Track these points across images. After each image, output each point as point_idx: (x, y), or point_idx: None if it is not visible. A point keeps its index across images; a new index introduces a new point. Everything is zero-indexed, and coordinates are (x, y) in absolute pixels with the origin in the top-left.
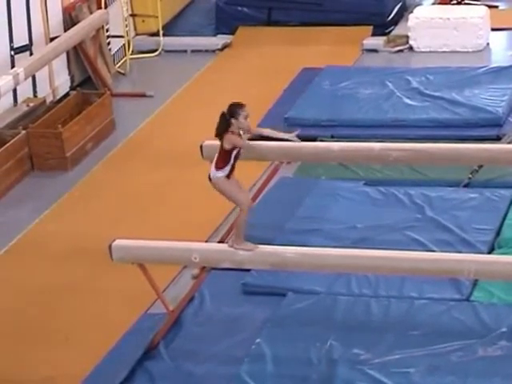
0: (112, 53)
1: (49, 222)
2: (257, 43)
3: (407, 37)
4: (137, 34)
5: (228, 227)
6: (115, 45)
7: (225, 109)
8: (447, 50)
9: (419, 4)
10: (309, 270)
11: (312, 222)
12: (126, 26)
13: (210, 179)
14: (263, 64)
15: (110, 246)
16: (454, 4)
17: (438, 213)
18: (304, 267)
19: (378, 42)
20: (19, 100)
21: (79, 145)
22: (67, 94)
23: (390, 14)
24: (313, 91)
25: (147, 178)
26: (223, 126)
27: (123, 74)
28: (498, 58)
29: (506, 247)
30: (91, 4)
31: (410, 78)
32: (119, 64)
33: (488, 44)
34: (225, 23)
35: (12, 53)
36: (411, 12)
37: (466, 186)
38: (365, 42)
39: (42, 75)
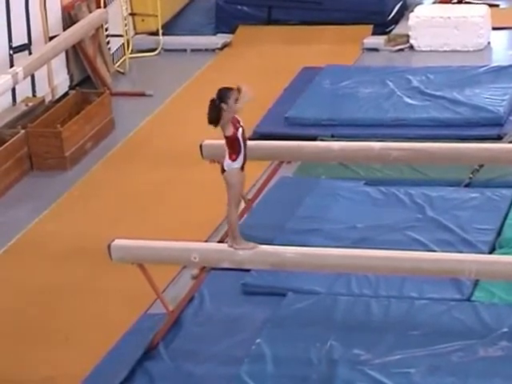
0: (111, 52)
1: (48, 221)
2: (257, 42)
3: (408, 36)
4: (136, 33)
5: (227, 227)
6: (114, 44)
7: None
8: (448, 49)
9: (420, 3)
10: (309, 270)
11: (312, 222)
12: (126, 25)
13: (223, 171)
14: (263, 63)
15: (109, 246)
16: (454, 3)
17: (438, 213)
18: (304, 267)
19: (378, 41)
20: (18, 99)
21: (78, 144)
22: (66, 94)
23: (390, 13)
24: (313, 90)
25: (147, 177)
26: (214, 113)
27: (122, 74)
28: (499, 58)
29: (507, 247)
30: (90, 3)
31: (410, 77)
32: (118, 63)
33: (489, 43)
34: (225, 22)
35: (11, 52)
36: (412, 11)
37: (466, 185)
38: (365, 41)
39: (41, 74)
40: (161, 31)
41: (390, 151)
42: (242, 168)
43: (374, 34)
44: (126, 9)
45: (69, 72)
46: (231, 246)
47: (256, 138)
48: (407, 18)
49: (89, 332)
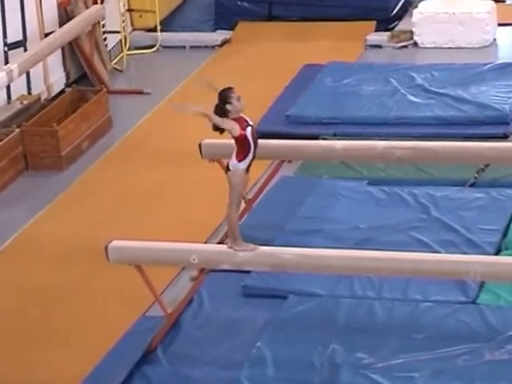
0: (108, 49)
1: (44, 222)
2: (257, 39)
3: (411, 32)
4: (134, 30)
5: (227, 228)
6: (112, 40)
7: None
8: (453, 45)
9: None
10: (310, 271)
11: (314, 223)
12: (123, 22)
13: (227, 170)
14: (264, 60)
15: (106, 247)
16: None
17: (443, 213)
18: (305, 269)
19: (381, 37)
20: (13, 97)
21: (75, 143)
22: (62, 91)
23: (393, 9)
24: (315, 88)
25: (145, 177)
26: (221, 116)
27: (120, 71)
28: (505, 54)
29: None
30: None
31: (414, 74)
32: (116, 60)
33: (495, 40)
34: (224, 18)
35: (5, 49)
36: (416, 7)
37: (471, 185)
38: (368, 37)
39: (36, 72)
40: (159, 27)
41: (394, 150)
42: (247, 169)
43: (376, 30)
44: (124, 4)
45: (65, 69)
46: (231, 248)
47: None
48: (411, 14)
49: (86, 334)
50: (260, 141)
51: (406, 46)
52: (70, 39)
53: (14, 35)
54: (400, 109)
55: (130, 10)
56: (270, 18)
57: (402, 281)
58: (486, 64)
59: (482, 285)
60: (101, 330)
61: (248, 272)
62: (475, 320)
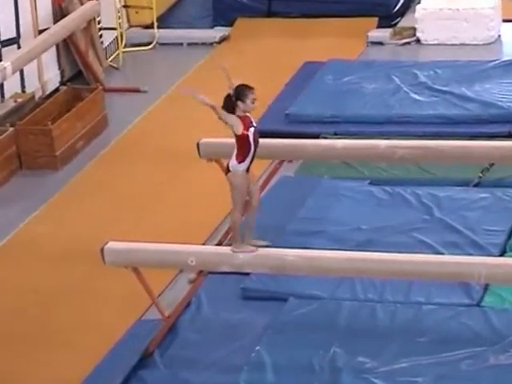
0: (104, 46)
1: (38, 223)
2: (256, 36)
3: (414, 29)
4: (130, 26)
5: (226, 229)
6: (107, 37)
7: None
8: (456, 42)
9: None
10: (311, 273)
11: (314, 224)
12: (119, 18)
13: (227, 171)
14: (263, 58)
15: (102, 249)
16: None
17: (446, 213)
18: (306, 271)
19: (383, 34)
20: (6, 96)
21: (70, 143)
22: (57, 90)
23: (396, 5)
24: (315, 86)
25: (141, 177)
26: (228, 110)
27: (116, 68)
28: (510, 51)
29: None
30: None
31: (417, 72)
32: (112, 58)
33: (499, 36)
34: (222, 15)
35: None
36: (418, 2)
37: (476, 185)
38: (370, 34)
39: (30, 69)
40: (156, 24)
41: (396, 149)
42: (248, 170)
43: (378, 26)
44: (120, 1)
45: (60, 67)
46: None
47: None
48: (414, 10)
49: (83, 336)
50: (259, 140)
51: (408, 43)
52: (64, 36)
53: (8, 32)
54: (402, 107)
55: (126, 6)
56: (270, 14)
57: (404, 283)
58: (490, 61)
59: (486, 287)
60: (97, 333)
61: (247, 274)
62: (479, 323)
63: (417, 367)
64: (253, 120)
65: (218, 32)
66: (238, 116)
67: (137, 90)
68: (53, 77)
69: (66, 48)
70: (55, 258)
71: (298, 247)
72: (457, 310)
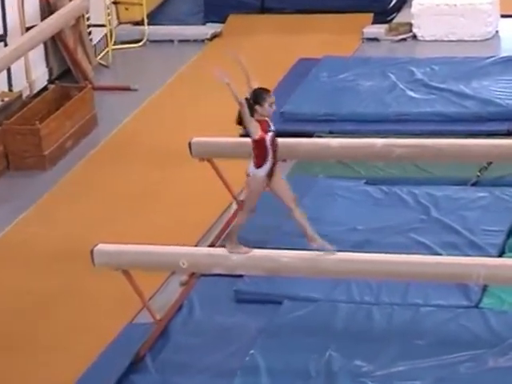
0: (93, 43)
1: (27, 224)
2: (249, 32)
3: (410, 24)
4: (120, 23)
5: (219, 230)
6: (97, 35)
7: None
8: (453, 38)
9: None
10: (306, 275)
11: (309, 224)
12: (109, 15)
13: (247, 175)
14: (256, 55)
15: (91, 251)
16: None
17: (444, 213)
18: (301, 273)
19: (379, 30)
20: None
21: (58, 142)
22: (45, 88)
23: (391, 0)
24: (310, 84)
25: (132, 177)
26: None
27: (105, 66)
28: (508, 47)
29: None
30: None
31: (413, 68)
32: (101, 55)
33: (497, 32)
34: (214, 11)
35: None
36: None
37: (474, 184)
38: (365, 30)
39: (17, 68)
40: (146, 21)
41: (393, 148)
42: (269, 175)
43: (374, 22)
44: None
45: (48, 65)
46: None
47: (248, 135)
48: (410, 6)
49: (72, 340)
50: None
51: (404, 39)
52: (52, 33)
53: None
54: (399, 105)
55: (115, 3)
56: (263, 10)
57: (401, 284)
58: (488, 57)
59: (485, 288)
60: (87, 336)
61: (240, 276)
62: (478, 325)
63: (415, 370)
64: (271, 124)
65: (210, 29)
66: (256, 120)
67: (127, 89)
68: (41, 75)
69: (54, 45)
70: (45, 260)
71: (292, 248)
72: (455, 311)
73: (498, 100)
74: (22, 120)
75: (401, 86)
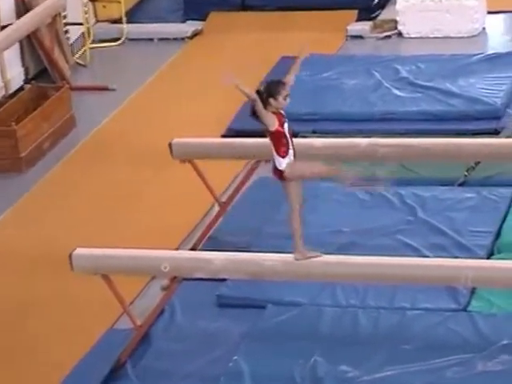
0: (70, 42)
1: (4, 227)
2: (230, 30)
3: (395, 21)
4: (97, 21)
5: (201, 233)
6: (74, 33)
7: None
8: (439, 35)
9: None
10: (290, 279)
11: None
12: (86, 13)
13: (275, 171)
14: (238, 53)
15: (70, 255)
16: None
17: (431, 214)
18: (285, 276)
19: (363, 27)
20: None
21: (35, 144)
22: (21, 88)
23: None
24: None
25: (111, 179)
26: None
27: (83, 66)
28: (495, 44)
29: (507, 251)
30: None
31: (398, 66)
32: (78, 54)
33: (484, 28)
34: (195, 8)
35: None
36: None
37: (461, 184)
38: (349, 27)
39: None
40: (124, 19)
41: (378, 148)
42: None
43: (358, 19)
44: None
45: (23, 64)
46: (297, 260)
47: (231, 135)
48: (395, 2)
49: (51, 347)
50: (234, 139)
51: (389, 37)
52: (28, 32)
53: None
54: (384, 104)
55: (93, 0)
56: (244, 7)
57: (387, 288)
58: (475, 55)
59: (473, 291)
60: (66, 343)
61: (223, 280)
62: (467, 329)
63: (402, 375)
64: (284, 114)
65: (191, 26)
66: (272, 112)
67: (105, 88)
68: (16, 75)
69: (30, 44)
70: (23, 264)
71: (276, 251)
72: (443, 315)
73: (485, 98)
74: None
75: (386, 84)
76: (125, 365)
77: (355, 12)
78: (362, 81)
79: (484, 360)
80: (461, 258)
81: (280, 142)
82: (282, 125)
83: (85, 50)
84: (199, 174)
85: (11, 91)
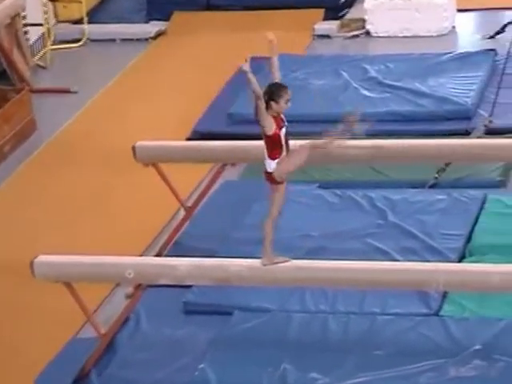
0: (30, 43)
1: None
2: (195, 30)
3: (363, 20)
4: (58, 22)
5: (166, 238)
6: (33, 34)
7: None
8: (408, 34)
9: None
10: (258, 284)
11: (260, 231)
12: (46, 13)
13: (268, 176)
14: (203, 54)
15: (31, 263)
16: None
17: (401, 217)
18: (252, 282)
19: (330, 26)
20: None
21: None
22: None
23: None
24: (259, 83)
25: (74, 183)
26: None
27: (43, 67)
28: (465, 43)
29: (478, 254)
30: None
31: (367, 66)
32: (39, 56)
33: (454, 27)
34: (158, 8)
35: None
36: None
37: (432, 186)
38: (316, 26)
39: None
40: (86, 19)
41: (347, 150)
42: None
43: (325, 18)
44: None
45: None
46: (264, 265)
47: (196, 138)
48: (362, 1)
49: (13, 358)
50: (200, 142)
51: (357, 36)
52: None
53: None
54: (352, 104)
55: (53, 0)
56: (209, 7)
57: (357, 293)
58: (445, 54)
59: (445, 295)
60: (29, 352)
61: (189, 287)
62: (439, 333)
63: (374, 382)
64: (284, 118)
65: (154, 27)
66: (272, 116)
67: (66, 91)
68: None
69: None
70: None
71: (243, 256)
72: (414, 320)
73: (455, 98)
74: None
75: (354, 84)
76: (89, 374)
77: (322, 11)
78: (329, 81)
79: (457, 365)
80: (432, 261)
81: (275, 146)
82: (279, 129)
83: (45, 52)
84: (163, 178)
85: None
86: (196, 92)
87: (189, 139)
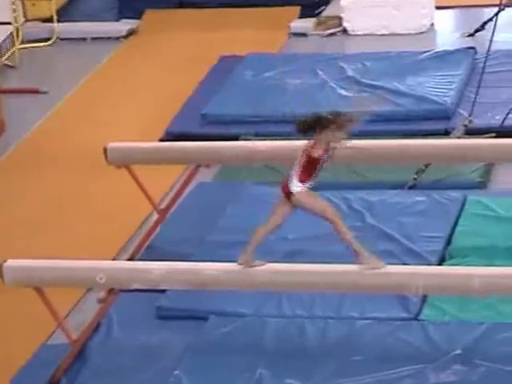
0: None
1: None
2: (167, 29)
3: (340, 18)
4: (27, 20)
5: (139, 242)
6: (1, 33)
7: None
8: (386, 32)
9: None
10: (233, 289)
11: (236, 234)
12: (14, 11)
13: (286, 191)
14: (175, 53)
15: (0, 267)
16: None
17: (380, 220)
18: (228, 286)
19: (306, 24)
20: None
21: None
22: None
23: None
24: (233, 83)
25: (45, 186)
26: (308, 127)
27: (12, 67)
28: (444, 41)
29: (459, 257)
30: None
31: (344, 65)
32: (7, 55)
33: (432, 25)
34: (129, 6)
35: None
36: None
37: (411, 188)
38: (292, 24)
39: None
40: (55, 17)
41: None
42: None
43: (301, 16)
44: None
45: None
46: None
47: (169, 139)
48: None
49: None
50: (173, 143)
51: (334, 34)
52: None
53: None
54: (329, 104)
55: None
56: (181, 5)
57: (335, 296)
58: (423, 52)
59: (424, 299)
60: None
61: (163, 291)
62: (418, 338)
63: None
64: (331, 144)
65: (125, 25)
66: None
67: (36, 91)
68: None
69: None
70: None
71: (218, 260)
72: (393, 324)
73: (434, 97)
74: None
75: (331, 83)
76: (59, 382)
77: (298, 8)
78: (305, 80)
79: (437, 371)
80: (411, 264)
81: (310, 170)
82: (325, 152)
83: (14, 51)
84: (136, 181)
85: None
86: (169, 92)
87: (162, 140)
